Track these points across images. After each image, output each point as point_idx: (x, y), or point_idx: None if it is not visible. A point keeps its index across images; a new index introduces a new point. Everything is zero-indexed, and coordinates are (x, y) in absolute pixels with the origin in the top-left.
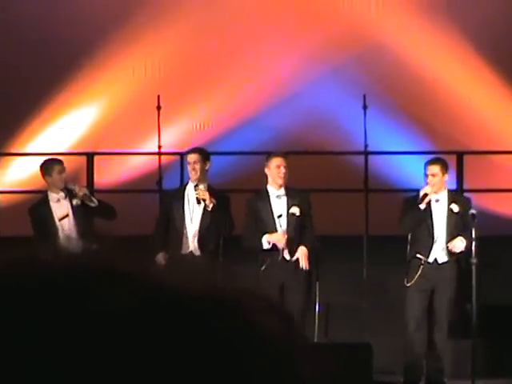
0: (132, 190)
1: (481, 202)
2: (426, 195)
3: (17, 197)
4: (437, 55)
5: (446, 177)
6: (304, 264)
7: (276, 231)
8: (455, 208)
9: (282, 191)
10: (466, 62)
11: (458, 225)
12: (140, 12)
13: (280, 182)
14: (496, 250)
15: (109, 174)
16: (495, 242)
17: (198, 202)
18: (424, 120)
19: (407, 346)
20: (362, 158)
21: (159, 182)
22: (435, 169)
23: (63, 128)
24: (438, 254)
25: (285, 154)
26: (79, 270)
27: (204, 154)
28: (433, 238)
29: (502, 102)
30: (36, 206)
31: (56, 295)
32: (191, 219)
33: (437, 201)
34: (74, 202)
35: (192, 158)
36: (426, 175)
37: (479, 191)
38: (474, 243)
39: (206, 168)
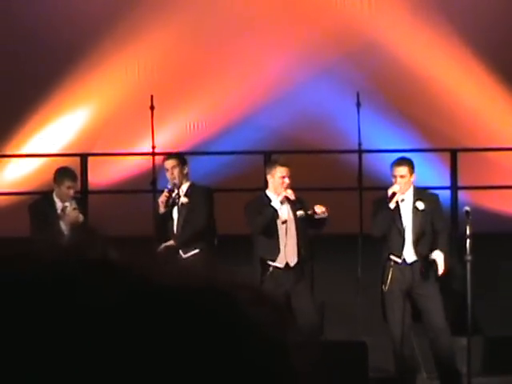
0: (126, 190)
1: (475, 199)
2: (394, 194)
3: (11, 198)
4: (430, 53)
5: (413, 177)
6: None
7: (278, 237)
8: (420, 206)
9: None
10: (458, 59)
11: (424, 222)
12: (132, 13)
13: (283, 192)
14: (490, 247)
15: (103, 174)
16: (490, 239)
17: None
18: (417, 117)
19: (396, 352)
20: (355, 156)
21: (153, 182)
22: (404, 170)
23: (57, 129)
24: (407, 253)
25: (289, 163)
26: (68, 263)
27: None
28: (404, 238)
29: (495, 99)
30: None
31: (44, 289)
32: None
33: (402, 200)
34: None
35: (169, 163)
36: (394, 176)
37: (473, 188)
38: (468, 240)
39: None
